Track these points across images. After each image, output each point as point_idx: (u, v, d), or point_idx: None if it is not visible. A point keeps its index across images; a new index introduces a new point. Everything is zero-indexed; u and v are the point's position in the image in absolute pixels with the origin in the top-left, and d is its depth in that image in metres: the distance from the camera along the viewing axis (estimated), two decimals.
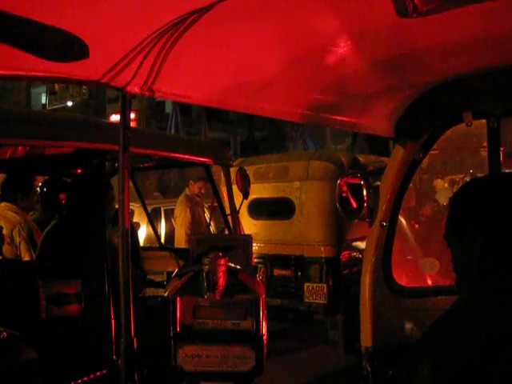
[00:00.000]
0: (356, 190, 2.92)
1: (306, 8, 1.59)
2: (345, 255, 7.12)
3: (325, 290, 7.00)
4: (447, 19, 1.79)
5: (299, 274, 7.26)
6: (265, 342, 1.91)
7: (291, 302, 7.34)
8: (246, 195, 4.68)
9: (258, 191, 7.37)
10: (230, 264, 1.87)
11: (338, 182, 2.98)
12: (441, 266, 3.18)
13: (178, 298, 1.87)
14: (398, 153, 2.90)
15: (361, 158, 7.71)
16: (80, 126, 3.78)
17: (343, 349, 6.94)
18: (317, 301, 7.06)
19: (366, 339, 2.87)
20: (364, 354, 2.89)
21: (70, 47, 1.51)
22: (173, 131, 18.56)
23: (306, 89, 2.30)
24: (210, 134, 21.00)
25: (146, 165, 5.42)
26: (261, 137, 30.53)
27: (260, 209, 7.72)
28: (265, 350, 1.92)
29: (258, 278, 1.98)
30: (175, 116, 19.41)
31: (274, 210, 7.68)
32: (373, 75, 2.34)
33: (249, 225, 7.46)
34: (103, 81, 1.76)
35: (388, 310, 2.95)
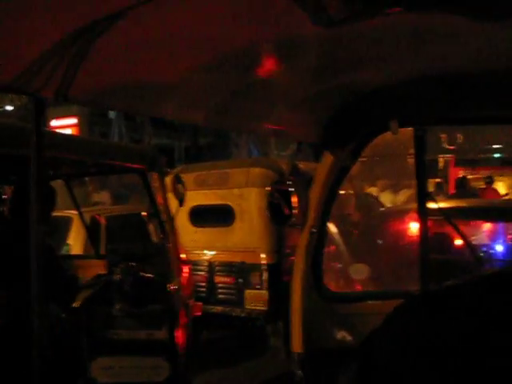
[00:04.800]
0: (288, 197, 2.93)
1: (216, 14, 1.59)
2: (286, 261, 7.14)
3: (265, 297, 7.02)
4: (370, 29, 1.81)
5: (240, 280, 7.26)
6: (181, 351, 1.88)
7: (232, 309, 7.33)
8: (181, 202, 4.64)
9: (199, 198, 7.34)
10: (143, 273, 1.84)
11: (268, 189, 2.99)
12: (370, 271, 3.22)
13: (89, 309, 1.82)
14: (327, 160, 2.91)
15: (302, 165, 7.71)
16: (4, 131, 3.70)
17: (285, 355, 6.95)
18: (257, 307, 7.08)
19: (296, 345, 2.88)
20: (295, 359, 2.89)
21: None
22: (116, 138, 18.34)
23: (227, 95, 2.28)
24: (155, 141, 20.83)
25: (78, 171, 5.31)
26: (206, 143, 30.41)
27: (201, 216, 7.69)
28: (183, 360, 1.89)
29: (174, 287, 1.95)
30: (119, 122, 19.20)
31: (214, 217, 7.66)
32: (297, 83, 2.34)
33: (190, 232, 7.43)
34: (14, 86, 1.71)
35: (318, 316, 2.97)
